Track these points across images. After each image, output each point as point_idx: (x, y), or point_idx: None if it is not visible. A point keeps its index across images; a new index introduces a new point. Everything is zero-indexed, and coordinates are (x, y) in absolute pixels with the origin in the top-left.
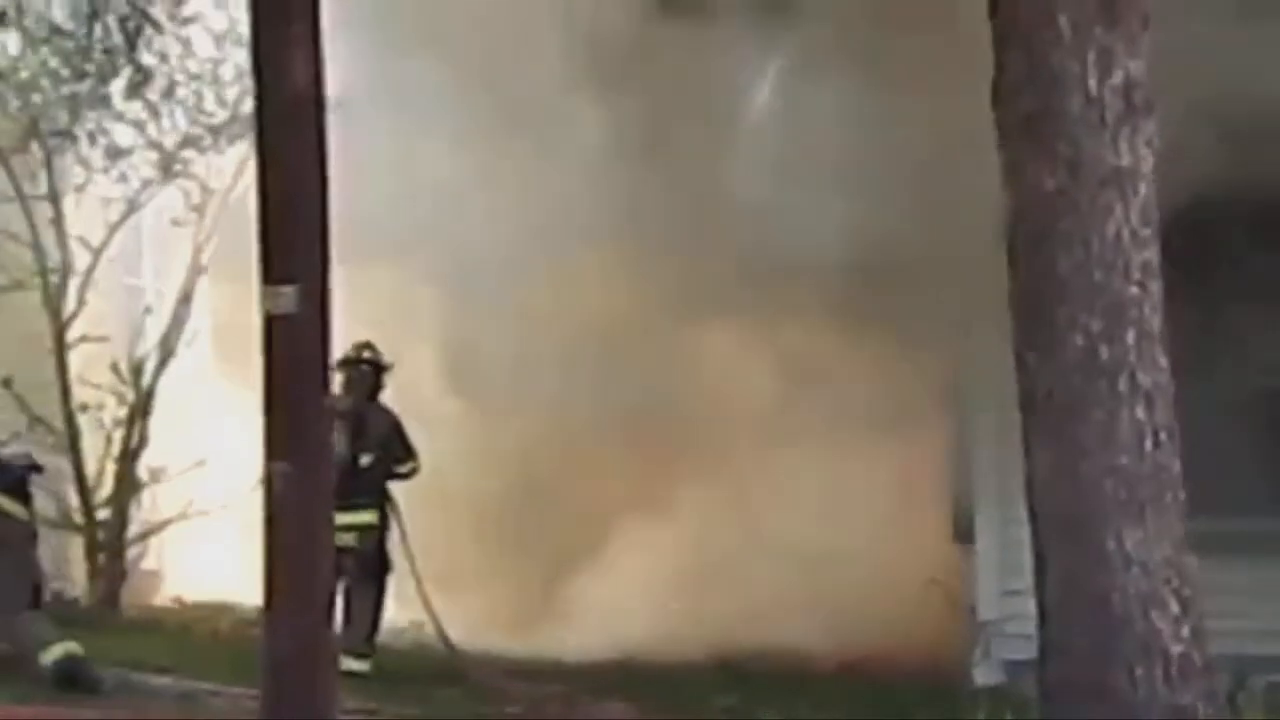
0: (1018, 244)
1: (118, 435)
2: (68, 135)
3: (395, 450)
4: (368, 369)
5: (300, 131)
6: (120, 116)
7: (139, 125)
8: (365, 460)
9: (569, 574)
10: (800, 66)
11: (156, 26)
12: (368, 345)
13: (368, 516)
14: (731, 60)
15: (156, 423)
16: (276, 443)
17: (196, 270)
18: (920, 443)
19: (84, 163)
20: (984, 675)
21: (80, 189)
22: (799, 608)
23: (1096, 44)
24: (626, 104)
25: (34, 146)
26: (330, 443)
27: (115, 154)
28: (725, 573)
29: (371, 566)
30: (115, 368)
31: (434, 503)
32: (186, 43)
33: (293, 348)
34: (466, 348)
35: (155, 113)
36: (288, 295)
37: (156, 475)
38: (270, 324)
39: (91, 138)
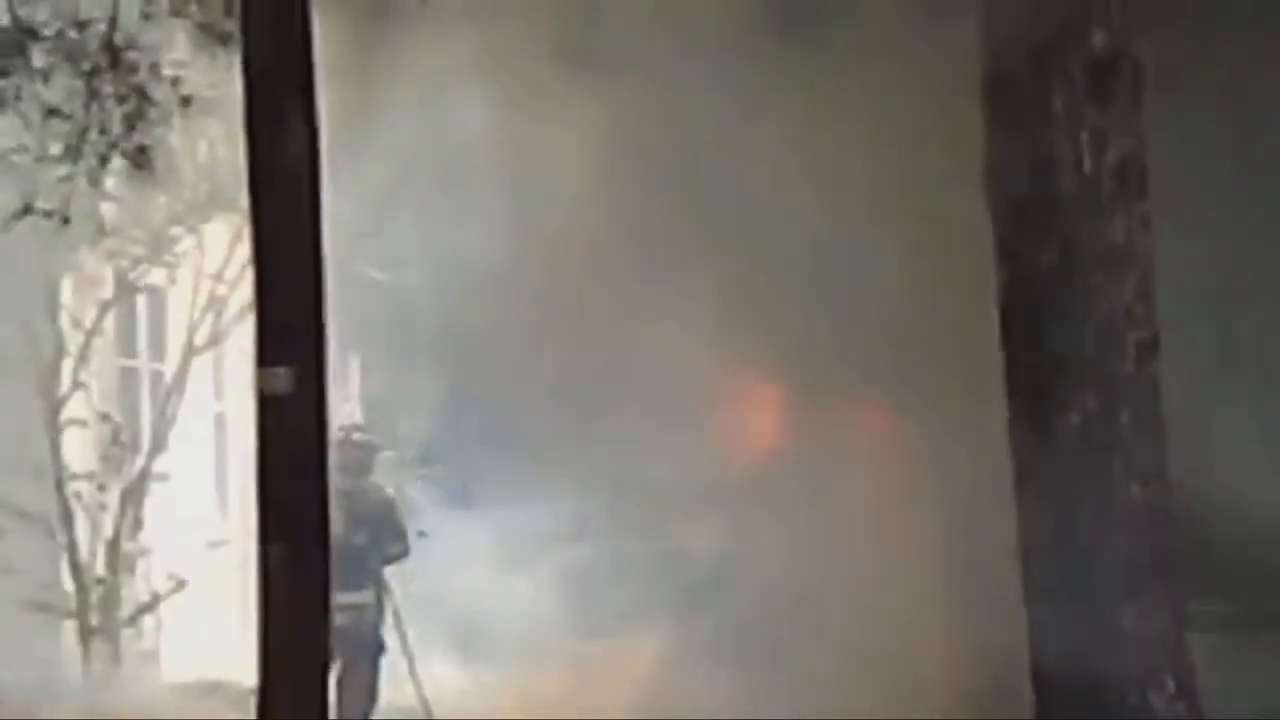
0: (1012, 321)
1: (110, 518)
2: (61, 217)
3: (388, 530)
4: (359, 450)
5: (294, 209)
6: (114, 196)
7: (133, 202)
8: (359, 540)
9: None
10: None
11: (155, 106)
12: (358, 427)
13: (361, 596)
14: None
15: (153, 501)
16: (272, 524)
17: (191, 350)
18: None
19: (78, 240)
20: None
21: (73, 269)
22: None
23: (1089, 124)
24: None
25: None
26: (327, 525)
27: (110, 233)
28: None
29: (365, 647)
30: (113, 443)
31: None
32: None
33: (288, 429)
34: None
35: (150, 189)
36: (282, 376)
37: (147, 554)
38: (265, 405)
39: (88, 218)
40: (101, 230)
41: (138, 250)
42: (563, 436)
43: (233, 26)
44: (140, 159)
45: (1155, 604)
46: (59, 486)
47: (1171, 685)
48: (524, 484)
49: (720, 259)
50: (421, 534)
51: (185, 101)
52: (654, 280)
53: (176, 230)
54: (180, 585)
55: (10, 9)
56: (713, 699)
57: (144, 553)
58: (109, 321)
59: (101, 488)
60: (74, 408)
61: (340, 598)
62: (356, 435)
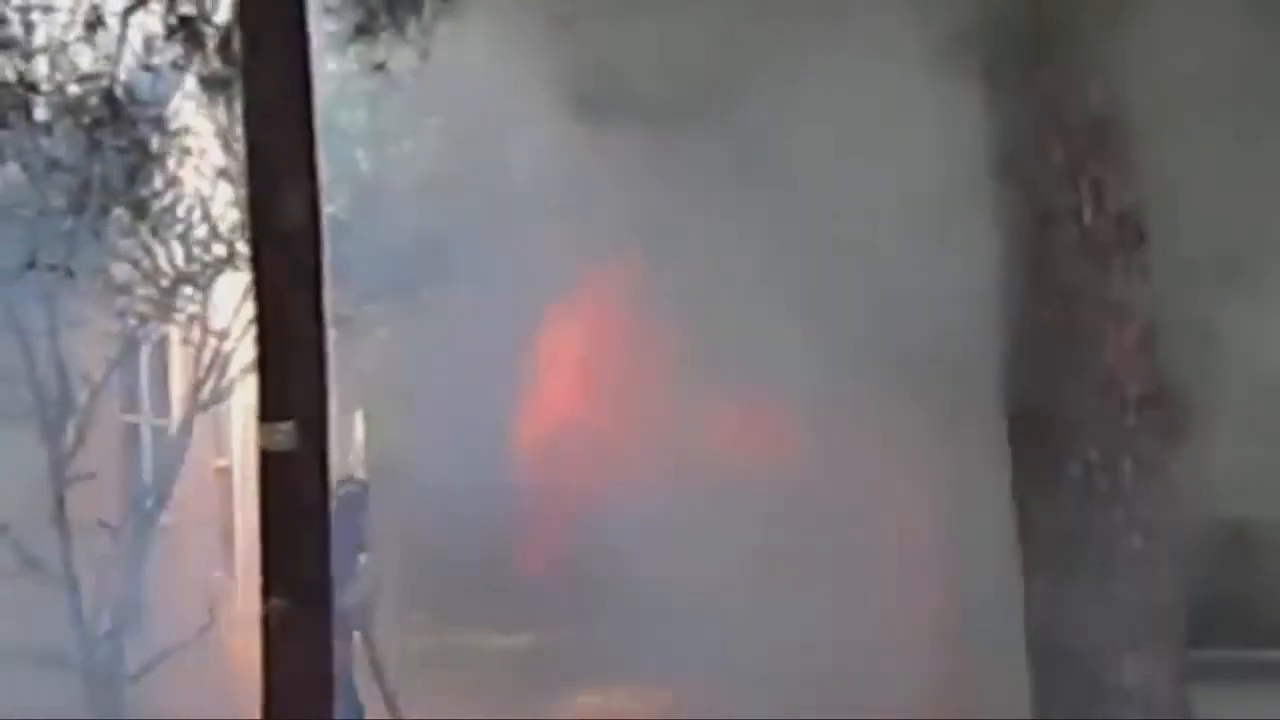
0: (1014, 372)
1: (115, 573)
2: (65, 270)
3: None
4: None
5: (296, 265)
6: (117, 252)
7: (136, 260)
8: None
9: None
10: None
11: (156, 160)
12: (350, 479)
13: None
14: None
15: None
16: (274, 580)
17: (194, 406)
18: None
19: (83, 297)
20: None
21: (78, 324)
22: None
23: (1089, 175)
24: None
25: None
26: (329, 580)
27: (114, 289)
28: None
29: (348, 697)
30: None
31: None
32: (186, 175)
33: (290, 485)
34: None
35: (153, 247)
36: (285, 432)
37: (153, 613)
38: (267, 460)
39: (92, 272)
40: (109, 287)
41: (146, 308)
42: None
43: (233, 76)
44: (141, 210)
45: (1156, 656)
46: (64, 539)
47: None
48: None
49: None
50: None
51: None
52: None
53: (188, 290)
54: (184, 642)
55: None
56: None
57: (148, 607)
58: (113, 377)
59: (106, 541)
60: (80, 462)
61: None
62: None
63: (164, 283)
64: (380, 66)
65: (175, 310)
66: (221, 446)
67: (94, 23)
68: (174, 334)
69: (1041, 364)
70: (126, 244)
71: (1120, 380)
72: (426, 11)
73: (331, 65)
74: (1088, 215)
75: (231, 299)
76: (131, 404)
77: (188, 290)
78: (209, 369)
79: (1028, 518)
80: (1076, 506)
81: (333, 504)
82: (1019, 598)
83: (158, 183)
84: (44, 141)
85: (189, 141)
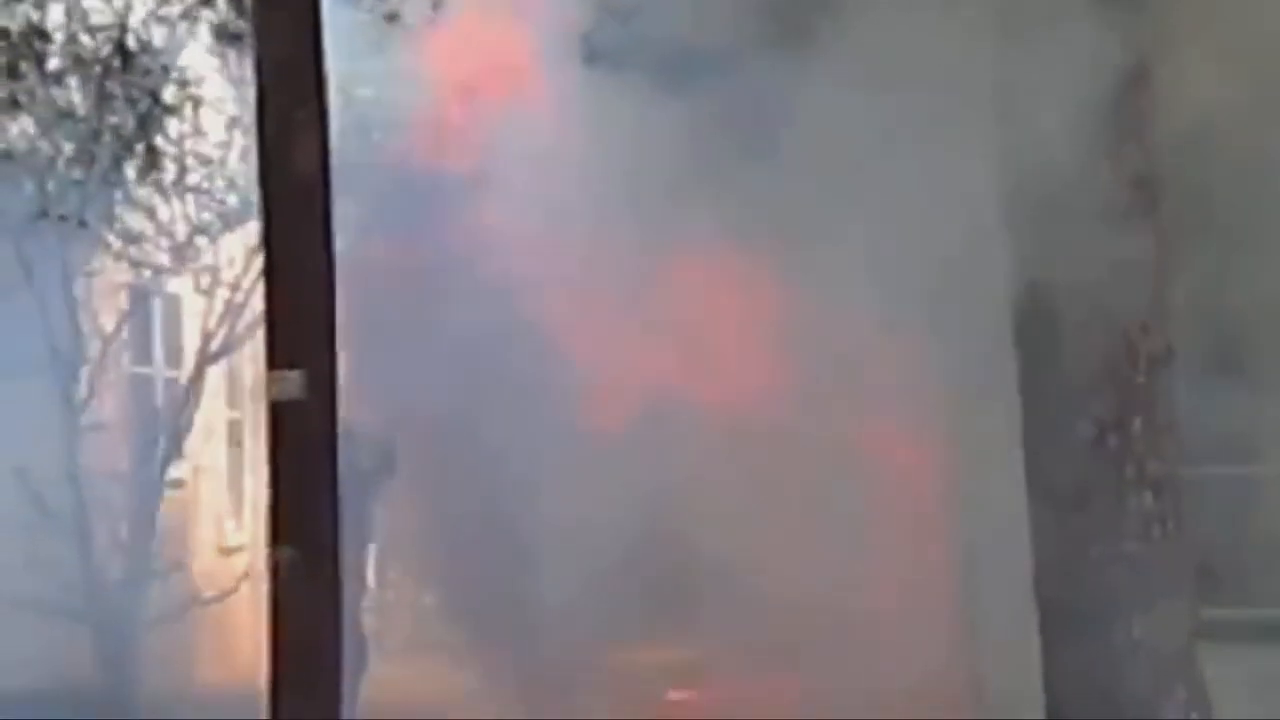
0: (1025, 330)
1: (127, 523)
2: (78, 221)
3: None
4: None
5: (306, 214)
6: (131, 202)
7: (150, 211)
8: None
9: None
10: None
11: (167, 109)
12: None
13: None
14: None
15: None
16: (282, 529)
17: (206, 358)
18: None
19: (95, 248)
20: None
21: (91, 275)
22: None
23: (1104, 135)
24: None
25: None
26: (338, 529)
27: (128, 239)
28: None
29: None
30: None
31: None
32: (197, 127)
33: (299, 434)
34: None
35: (166, 198)
36: (293, 381)
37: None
38: (276, 410)
39: (105, 223)
40: (122, 238)
41: (160, 259)
42: None
43: (245, 28)
44: (153, 161)
45: (1167, 614)
46: (77, 492)
47: (1183, 695)
48: None
49: None
50: None
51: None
52: None
53: (201, 240)
54: (197, 594)
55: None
56: None
57: (159, 559)
58: (125, 328)
59: (118, 493)
60: (93, 413)
61: None
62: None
63: (176, 234)
64: (393, 17)
65: (187, 261)
66: (233, 398)
67: None
68: (186, 286)
69: (1052, 323)
70: (139, 195)
71: (1132, 340)
72: None
73: (344, 15)
74: (1100, 176)
75: (243, 250)
76: (143, 356)
77: (200, 241)
78: (220, 320)
79: (1038, 475)
80: (1087, 464)
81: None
82: (1028, 556)
83: (170, 133)
84: (56, 91)
85: (200, 91)
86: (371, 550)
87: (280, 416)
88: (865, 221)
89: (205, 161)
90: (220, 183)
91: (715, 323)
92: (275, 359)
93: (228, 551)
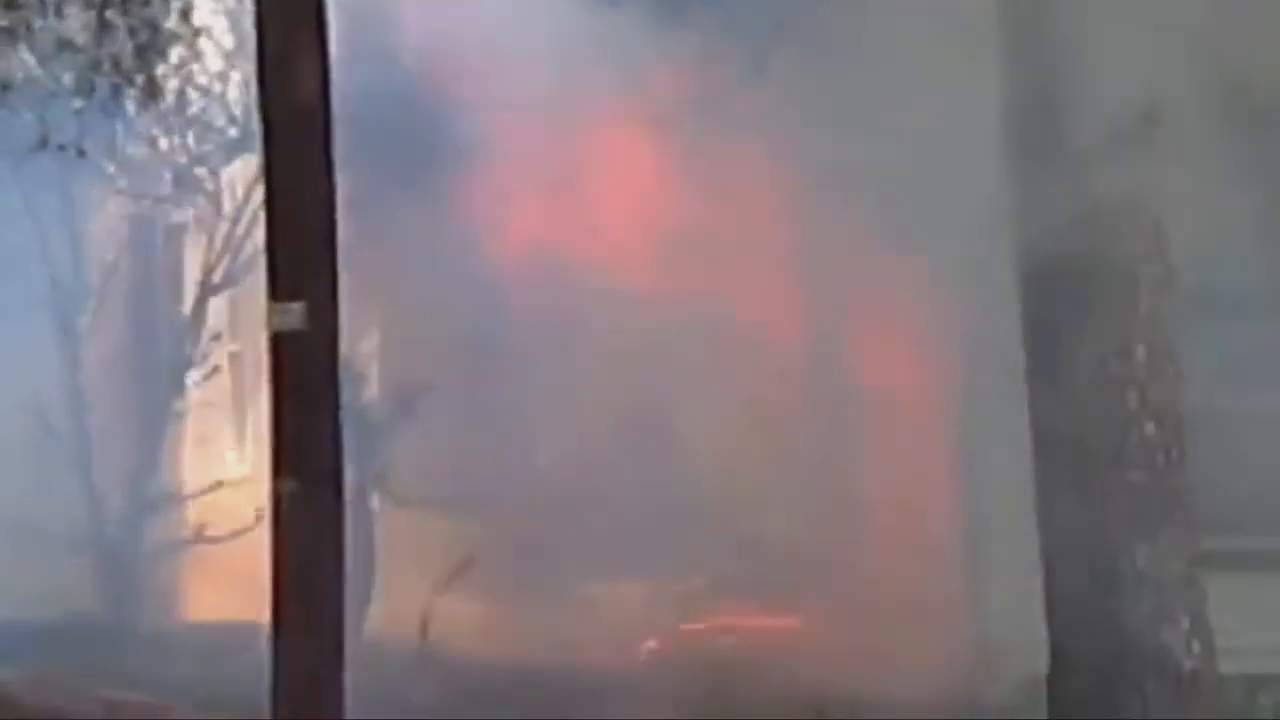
0: (1028, 262)
1: (130, 454)
2: (78, 150)
3: None
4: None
5: (307, 144)
6: (131, 131)
7: (150, 141)
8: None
9: None
10: None
11: (167, 38)
12: None
13: None
14: None
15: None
16: (284, 462)
17: (208, 288)
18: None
19: (96, 179)
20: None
21: (92, 206)
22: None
23: (1109, 68)
24: None
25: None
26: (340, 460)
27: (128, 168)
28: None
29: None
30: None
31: None
32: (197, 55)
33: (301, 365)
34: None
35: (167, 128)
36: (295, 312)
37: (168, 497)
38: (277, 341)
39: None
40: (122, 169)
41: (161, 190)
42: None
43: None
44: (152, 91)
45: (1169, 543)
46: (80, 423)
47: (1185, 623)
48: None
49: None
50: None
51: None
52: None
53: (200, 171)
54: (201, 526)
55: None
56: None
57: (162, 490)
58: (126, 260)
59: (120, 425)
60: (95, 345)
61: None
62: None
63: (177, 164)
64: None
65: (188, 193)
66: (235, 330)
67: None
68: (188, 217)
69: (1056, 254)
70: (139, 125)
71: (1134, 268)
72: None
73: None
74: (1105, 111)
75: (244, 182)
76: (146, 287)
77: (200, 172)
78: (221, 252)
79: (1041, 405)
80: (1090, 393)
81: None
82: (1031, 485)
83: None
84: (54, 21)
85: (199, 20)
86: None
87: (281, 348)
88: (866, 155)
89: (205, 92)
90: (221, 114)
91: (720, 238)
92: (277, 290)
93: (230, 484)
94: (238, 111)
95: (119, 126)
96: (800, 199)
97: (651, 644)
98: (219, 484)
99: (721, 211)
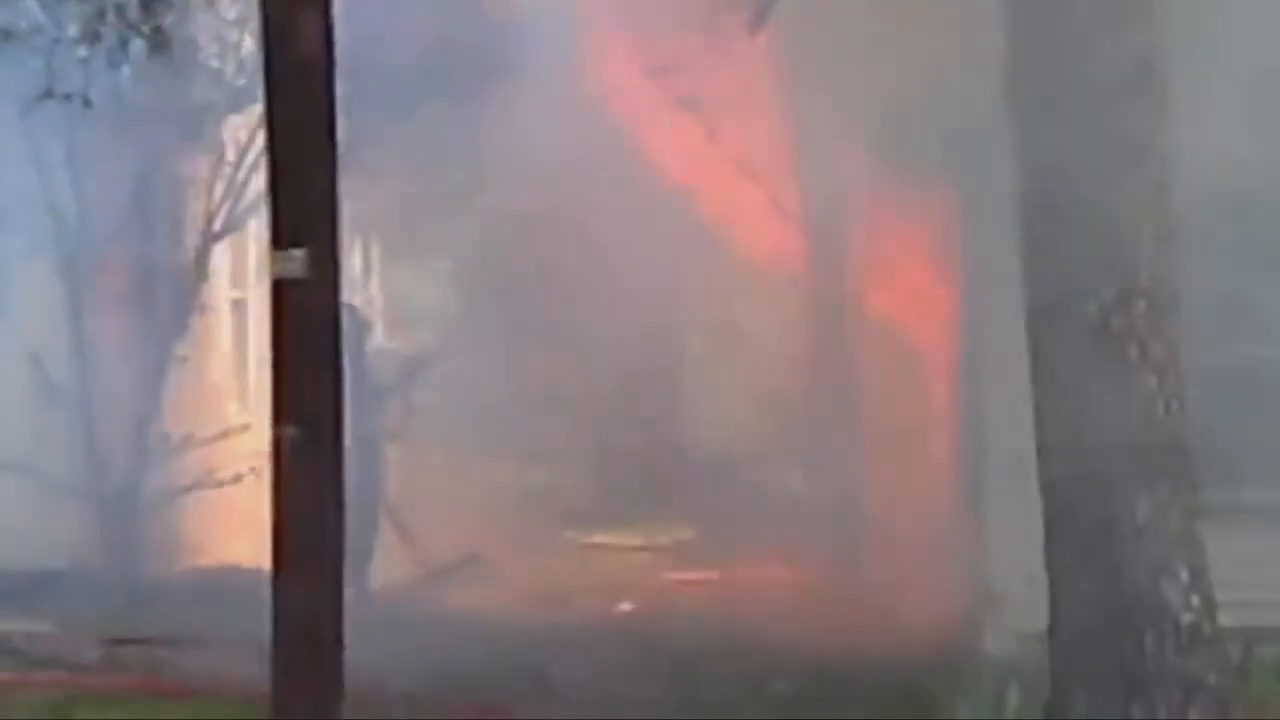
0: (1030, 212)
1: (132, 403)
2: (83, 100)
3: None
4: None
5: (308, 93)
6: (136, 81)
7: (156, 89)
8: None
9: None
10: None
11: None
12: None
13: None
14: None
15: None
16: (285, 407)
17: (210, 237)
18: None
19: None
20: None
21: (96, 154)
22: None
23: (1110, 15)
24: None
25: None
26: (340, 407)
27: (133, 117)
28: None
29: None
30: None
31: None
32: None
33: (302, 312)
34: None
35: (172, 77)
36: (296, 259)
37: (172, 444)
38: (279, 288)
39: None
40: (126, 118)
41: (167, 138)
42: None
43: None
44: (158, 41)
45: (1169, 495)
46: (82, 370)
47: (1185, 576)
48: None
49: None
50: None
51: None
52: None
53: (207, 120)
54: (204, 473)
55: None
56: None
57: (164, 436)
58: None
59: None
60: (98, 294)
61: None
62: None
63: (182, 113)
64: None
65: (190, 141)
66: (237, 278)
67: None
68: (189, 166)
69: (1056, 204)
70: (143, 74)
71: (1136, 220)
72: None
73: None
74: (1107, 56)
75: (246, 130)
76: (148, 234)
77: (206, 121)
78: (222, 200)
79: (1042, 357)
80: (1090, 345)
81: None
82: (1032, 438)
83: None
84: None
85: None
86: None
87: (283, 295)
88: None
89: (213, 41)
90: (231, 62)
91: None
92: (278, 238)
93: (232, 431)
94: (246, 60)
95: (124, 75)
96: (803, 134)
97: (642, 595)
98: (224, 433)
99: (724, 149)
